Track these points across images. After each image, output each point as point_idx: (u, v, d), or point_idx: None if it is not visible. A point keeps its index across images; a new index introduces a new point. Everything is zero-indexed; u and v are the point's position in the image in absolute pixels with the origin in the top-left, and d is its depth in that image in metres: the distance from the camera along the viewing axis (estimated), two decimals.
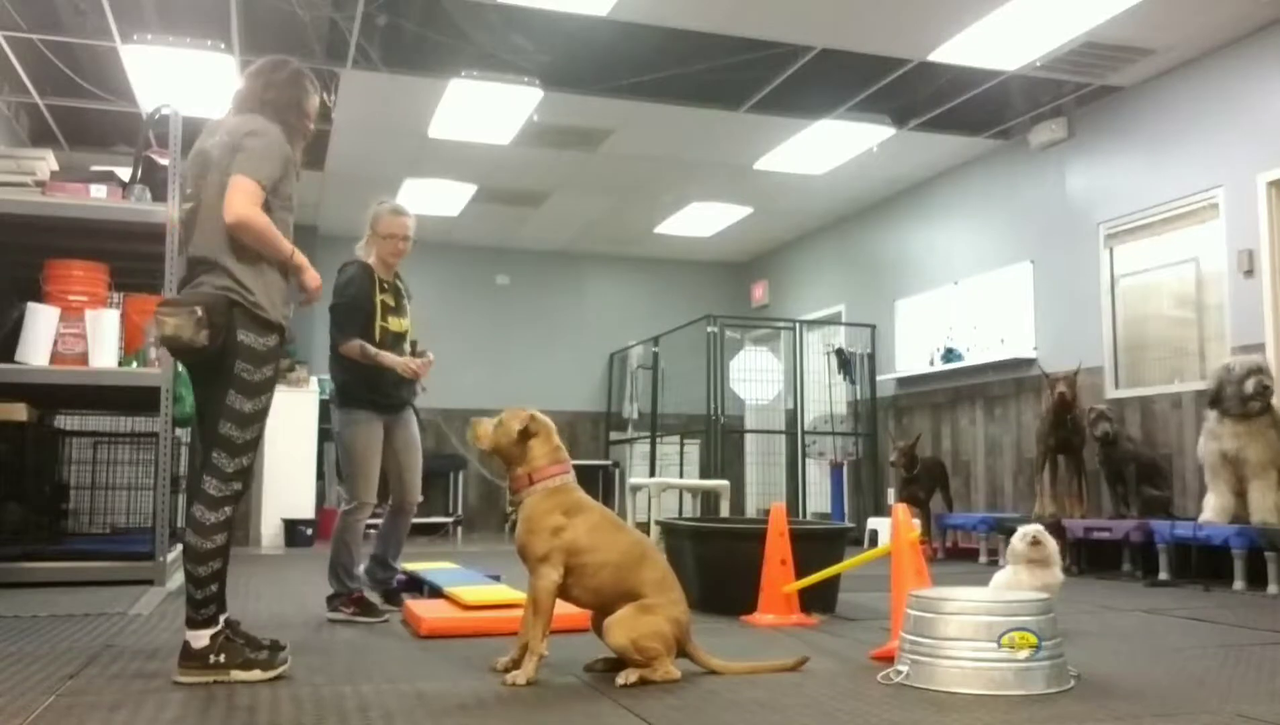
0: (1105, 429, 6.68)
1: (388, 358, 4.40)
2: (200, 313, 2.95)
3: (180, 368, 4.80)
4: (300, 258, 3.20)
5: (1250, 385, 5.62)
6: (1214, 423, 5.83)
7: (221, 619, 3.06)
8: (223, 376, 3.05)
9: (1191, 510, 6.36)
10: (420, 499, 4.67)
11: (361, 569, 4.48)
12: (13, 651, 3.47)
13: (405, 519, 4.66)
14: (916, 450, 8.24)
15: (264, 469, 9.29)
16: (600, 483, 11.67)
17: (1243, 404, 5.65)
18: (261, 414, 3.10)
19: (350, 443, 4.41)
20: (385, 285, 4.54)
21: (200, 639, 2.99)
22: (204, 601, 3.00)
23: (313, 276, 3.25)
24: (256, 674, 3.01)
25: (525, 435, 3.18)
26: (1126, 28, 6.23)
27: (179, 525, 6.54)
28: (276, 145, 3.16)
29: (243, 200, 3.01)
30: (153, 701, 2.74)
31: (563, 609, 3.15)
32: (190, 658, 2.98)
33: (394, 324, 4.53)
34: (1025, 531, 3.79)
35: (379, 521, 4.71)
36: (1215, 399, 5.78)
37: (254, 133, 3.13)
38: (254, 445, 3.09)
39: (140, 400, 5.63)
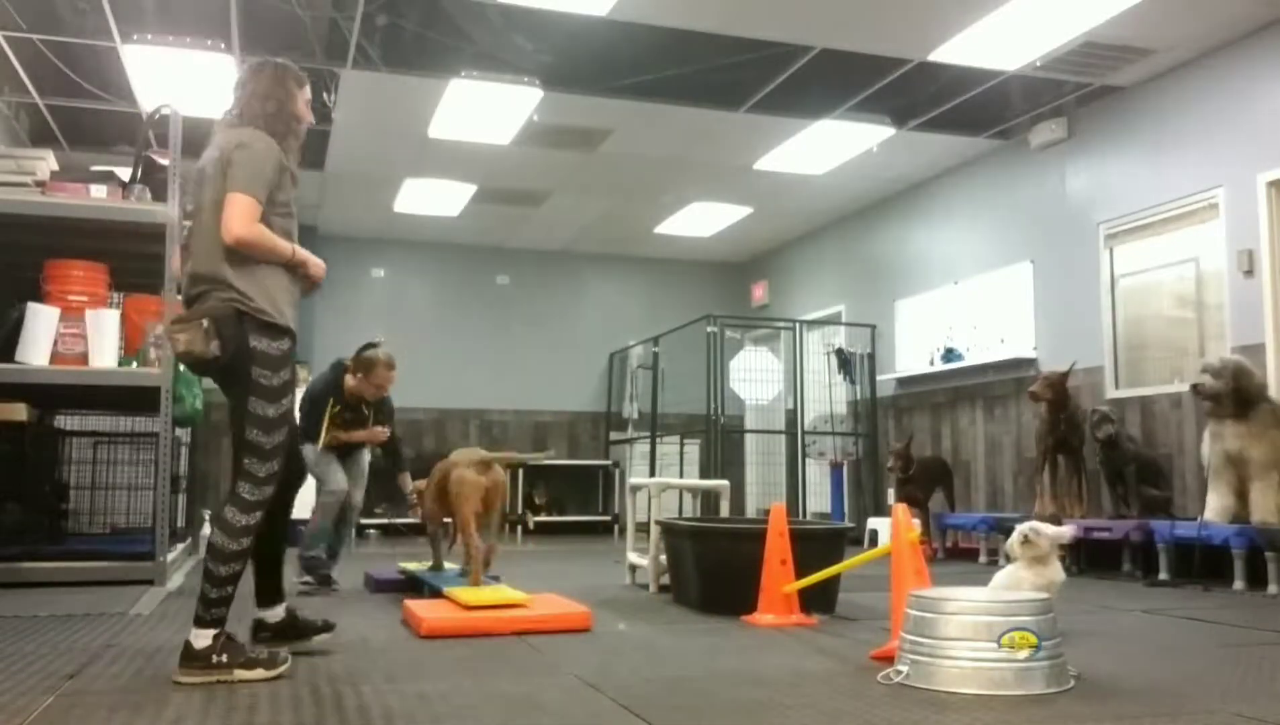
0: (1108, 431, 6.66)
1: (356, 435, 5.64)
2: (207, 324, 3.04)
3: (181, 368, 5.06)
4: (301, 253, 3.24)
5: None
6: (1216, 423, 5.83)
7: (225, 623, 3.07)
8: (242, 383, 3.10)
9: (1191, 510, 6.36)
10: (358, 501, 5.75)
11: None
12: (13, 651, 3.48)
13: (348, 515, 5.67)
14: (912, 450, 8.25)
15: None
16: (600, 482, 11.68)
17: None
18: (285, 418, 3.16)
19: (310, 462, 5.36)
20: (348, 404, 5.55)
21: (203, 639, 2.99)
22: (217, 601, 3.03)
23: (315, 265, 3.31)
24: (259, 673, 3.01)
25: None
26: (1126, 28, 6.24)
27: (179, 525, 6.55)
28: (267, 155, 3.17)
29: (239, 219, 3.06)
30: (153, 702, 2.74)
31: (563, 609, 3.08)
32: (192, 658, 2.98)
33: (344, 436, 5.55)
34: (1020, 529, 3.78)
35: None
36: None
37: (242, 146, 3.15)
38: (281, 449, 3.15)
39: (140, 400, 5.64)
